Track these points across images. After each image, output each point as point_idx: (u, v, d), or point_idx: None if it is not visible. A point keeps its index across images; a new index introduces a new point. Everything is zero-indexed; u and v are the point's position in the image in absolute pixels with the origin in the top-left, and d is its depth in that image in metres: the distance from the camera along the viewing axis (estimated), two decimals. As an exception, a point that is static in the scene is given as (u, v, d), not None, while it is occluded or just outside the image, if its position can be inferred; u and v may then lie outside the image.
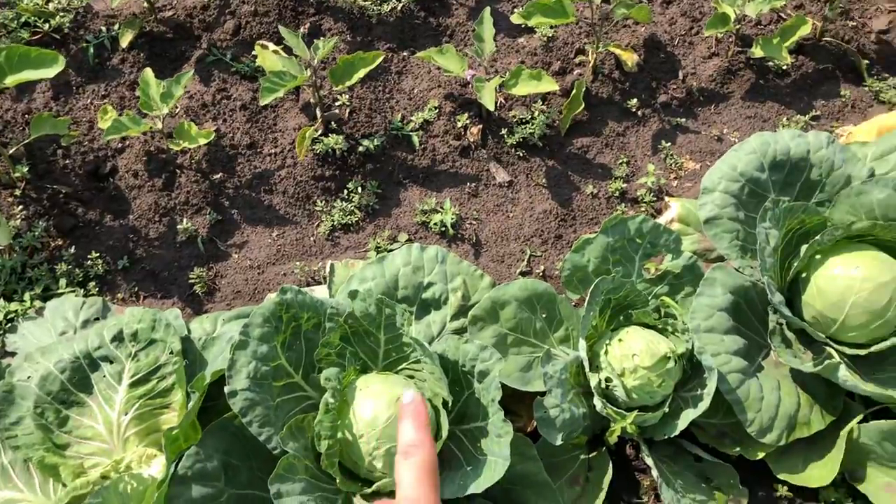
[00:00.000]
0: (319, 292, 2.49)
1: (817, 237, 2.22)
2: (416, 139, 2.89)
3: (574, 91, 2.88)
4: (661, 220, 2.65)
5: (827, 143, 2.44)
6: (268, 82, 2.58)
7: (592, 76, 3.06)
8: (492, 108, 2.67)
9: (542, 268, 2.66)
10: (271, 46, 2.86)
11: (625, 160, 2.90)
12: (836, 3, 3.18)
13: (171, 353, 2.17)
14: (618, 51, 3.06)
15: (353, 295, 2.01)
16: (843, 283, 2.18)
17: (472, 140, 2.88)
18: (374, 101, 2.97)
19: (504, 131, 2.90)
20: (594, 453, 2.24)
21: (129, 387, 2.15)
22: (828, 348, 2.28)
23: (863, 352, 2.16)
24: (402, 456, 1.29)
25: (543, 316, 2.31)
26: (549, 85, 2.71)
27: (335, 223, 2.73)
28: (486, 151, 2.88)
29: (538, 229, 2.73)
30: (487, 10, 2.80)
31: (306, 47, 2.66)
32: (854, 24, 3.31)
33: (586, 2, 2.94)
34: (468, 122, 2.90)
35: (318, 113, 2.80)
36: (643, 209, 2.78)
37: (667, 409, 2.12)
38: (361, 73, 2.68)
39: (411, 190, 2.82)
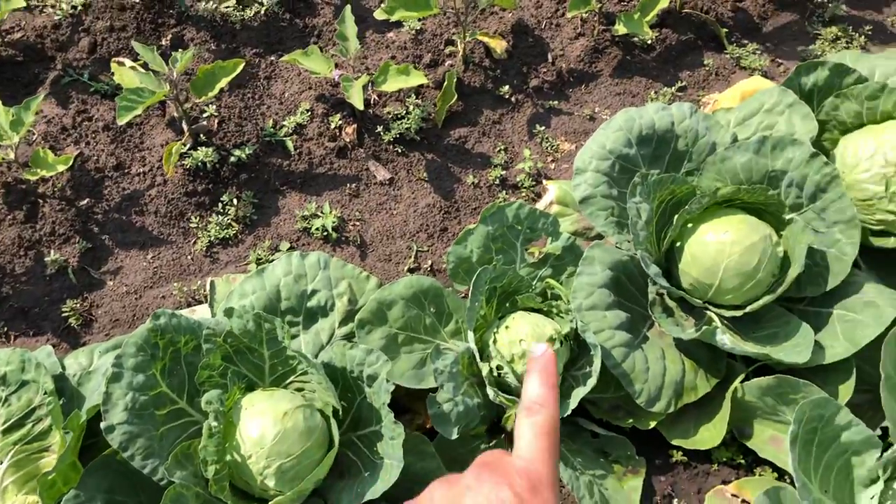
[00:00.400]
0: (201, 312, 2.42)
1: (686, 206, 2.28)
2: (290, 144, 2.83)
3: (446, 83, 2.88)
4: (541, 203, 2.68)
5: (690, 113, 2.51)
6: (124, 100, 2.48)
7: (464, 66, 3.07)
8: (361, 107, 2.64)
9: (429, 262, 2.66)
10: (128, 63, 2.75)
11: (502, 147, 2.92)
12: (691, -24, 3.28)
13: (45, 393, 2.07)
14: (486, 39, 3.07)
15: (229, 313, 1.96)
16: (714, 248, 2.24)
17: (348, 140, 2.84)
18: (243, 109, 2.89)
19: (380, 129, 2.88)
20: (494, 441, 2.25)
21: (3, 433, 2.04)
22: (708, 313, 2.35)
23: (739, 313, 2.23)
24: (526, 412, 1.17)
25: (432, 311, 2.30)
26: (418, 79, 2.69)
27: (212, 238, 2.65)
28: (363, 150, 2.85)
29: (423, 224, 2.72)
30: (348, 8, 2.77)
31: (163, 61, 2.57)
32: (711, -7, 3.42)
33: (449, -8, 2.94)
34: (342, 122, 2.86)
35: (185, 126, 2.71)
36: (524, 194, 2.81)
37: (558, 390, 2.14)
38: (223, 82, 2.60)
39: (290, 197, 2.76)
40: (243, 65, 2.65)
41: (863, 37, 3.35)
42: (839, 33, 3.36)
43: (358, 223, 2.72)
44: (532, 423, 1.15)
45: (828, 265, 2.28)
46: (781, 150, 2.35)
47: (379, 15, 2.81)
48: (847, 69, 2.63)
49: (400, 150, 2.87)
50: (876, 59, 2.85)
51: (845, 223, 2.26)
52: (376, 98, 2.94)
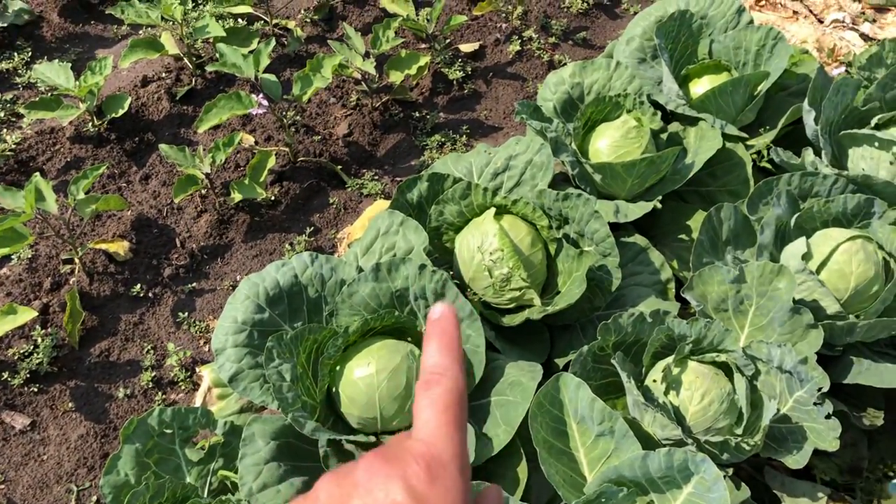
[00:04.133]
0: None
1: (324, 353, 2.30)
2: None
3: (69, 303, 2.72)
4: (200, 392, 2.58)
5: (311, 261, 2.57)
6: None
7: (88, 279, 2.93)
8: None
9: (94, 498, 2.43)
10: None
11: (150, 347, 2.80)
12: (290, 133, 3.43)
13: None
14: (104, 245, 2.97)
15: None
16: (364, 383, 2.27)
17: (-29, 400, 2.57)
18: None
19: (6, 374, 2.64)
20: None
21: None
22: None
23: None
24: (424, 385, 0.96)
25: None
26: (26, 314, 2.53)
27: None
28: (-7, 405, 2.59)
29: (80, 458, 2.50)
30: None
31: None
32: (320, 136, 3.60)
33: (51, 217, 2.81)
34: (-39, 382, 2.59)
35: None
36: (182, 388, 2.69)
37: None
38: None
39: (-86, 487, 2.43)
40: None
41: (464, 136, 3.70)
42: (442, 139, 3.68)
43: (2, 486, 2.44)
44: (431, 396, 0.96)
45: (469, 360, 2.39)
46: (397, 271, 2.46)
47: (-32, 260, 2.62)
48: (442, 176, 2.85)
49: (37, 389, 2.64)
50: (469, 156, 3.14)
51: (468, 318, 2.39)
52: (-5, 344, 2.71)
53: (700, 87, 3.35)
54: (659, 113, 3.13)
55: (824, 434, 2.20)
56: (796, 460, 2.18)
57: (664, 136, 3.21)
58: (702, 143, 3.07)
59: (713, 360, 2.29)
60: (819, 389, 2.20)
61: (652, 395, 2.27)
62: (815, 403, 2.20)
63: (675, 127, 3.25)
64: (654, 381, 2.29)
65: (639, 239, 2.85)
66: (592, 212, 2.62)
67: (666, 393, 2.24)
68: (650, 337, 2.33)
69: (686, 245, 3.01)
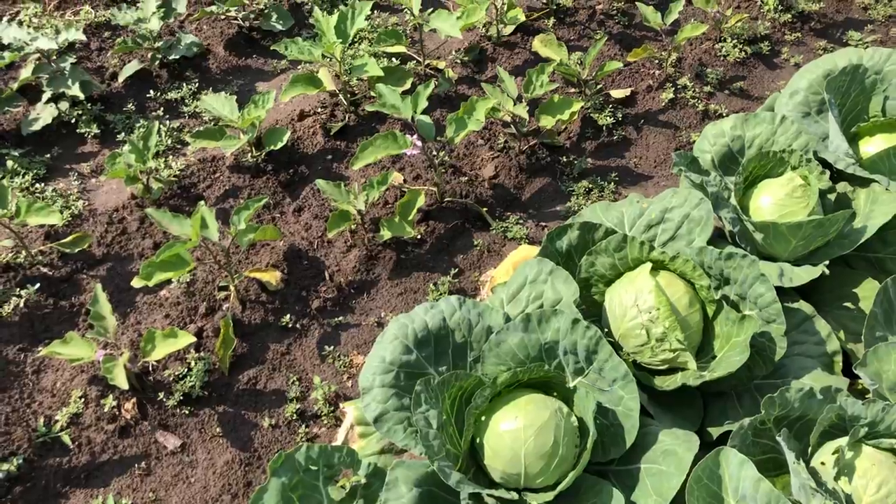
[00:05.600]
0: None
1: (472, 402, 2.27)
2: (67, 439, 2.63)
3: (222, 329, 2.81)
4: (342, 428, 2.59)
5: (459, 305, 2.55)
6: None
7: (241, 306, 3.03)
8: (125, 386, 2.52)
9: (238, 526, 2.48)
10: None
11: (296, 378, 2.85)
12: (439, 173, 3.45)
13: None
14: (258, 274, 3.06)
15: None
16: (509, 437, 2.22)
17: (129, 417, 2.68)
18: (10, 413, 2.68)
19: (162, 395, 2.74)
20: None
21: None
22: (528, 501, 2.29)
23: (550, 496, 2.19)
24: None
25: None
26: (186, 339, 2.62)
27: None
28: (148, 423, 2.69)
29: (225, 485, 2.55)
30: (99, 287, 2.69)
31: None
32: (466, 178, 3.61)
33: (211, 244, 2.93)
34: (120, 399, 2.70)
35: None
36: (325, 422, 2.72)
37: None
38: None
39: (74, 498, 2.53)
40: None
41: (612, 183, 3.62)
42: (590, 185, 3.61)
43: (153, 505, 2.53)
44: None
45: (620, 423, 2.30)
46: (547, 323, 2.41)
47: (136, 283, 2.75)
48: (593, 225, 2.79)
49: (188, 411, 2.73)
50: (621, 205, 3.07)
51: (622, 379, 2.31)
52: (154, 364, 2.82)
53: (872, 146, 3.15)
54: (827, 172, 2.97)
55: None
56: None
57: (832, 196, 3.03)
58: (874, 207, 2.88)
59: (892, 446, 2.11)
60: None
61: (820, 478, 2.11)
62: None
63: (843, 187, 3.07)
64: (823, 463, 2.13)
65: (804, 306, 2.69)
66: (758, 275, 2.49)
67: (836, 478, 2.08)
68: (819, 415, 2.17)
69: (851, 314, 2.81)
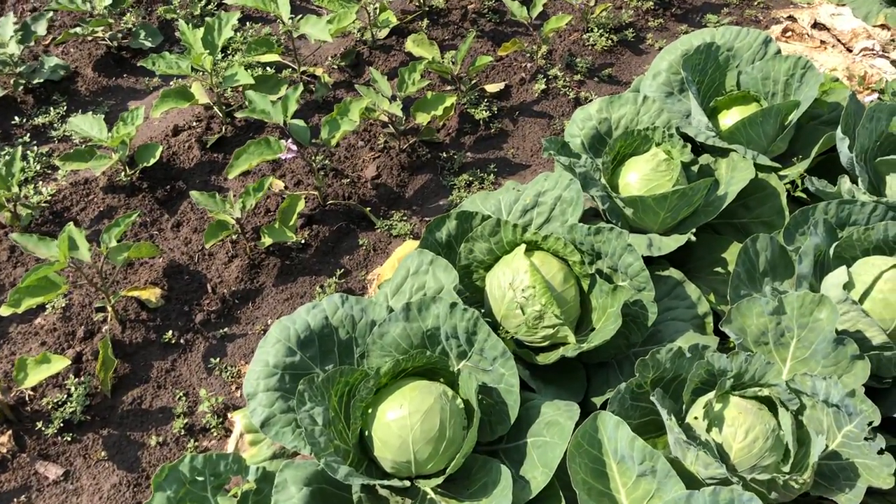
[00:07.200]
0: None
1: (356, 395, 2.27)
2: (-62, 480, 2.51)
3: (101, 351, 2.72)
4: (232, 438, 2.56)
5: (341, 302, 2.54)
6: None
7: (121, 327, 2.94)
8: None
9: (127, 550, 2.40)
10: None
11: (182, 394, 2.79)
12: (320, 177, 3.44)
13: None
14: (136, 293, 2.98)
15: None
16: (396, 425, 2.23)
17: (6, 451, 2.56)
18: None
19: (40, 424, 2.63)
20: None
21: None
22: (420, 487, 2.30)
23: (440, 479, 2.21)
24: None
25: None
26: (60, 363, 2.54)
27: None
28: (27, 455, 2.58)
29: (113, 509, 2.48)
30: (-39, 317, 2.58)
31: None
32: (349, 179, 3.61)
33: (84, 266, 2.84)
34: (-6, 433, 2.59)
35: None
36: (215, 434, 2.67)
37: None
38: None
39: (-52, 540, 2.42)
40: None
41: (491, 174, 3.69)
42: (470, 178, 3.67)
43: (37, 538, 2.43)
44: None
45: (504, 400, 2.34)
46: (427, 310, 2.43)
47: (4, 311, 2.64)
48: (470, 214, 2.83)
49: (70, 438, 2.64)
50: (498, 193, 3.12)
51: (501, 357, 2.35)
52: (30, 393, 2.71)
53: (729, 118, 3.31)
54: (689, 145, 3.10)
55: (877, 471, 2.10)
56: (849, 499, 2.09)
57: (695, 168, 3.17)
58: (734, 175, 3.03)
59: (756, 394, 2.22)
60: (869, 424, 2.12)
61: (694, 432, 2.20)
62: (865, 438, 2.11)
63: (705, 159, 3.21)
64: (696, 417, 2.22)
65: (674, 273, 2.80)
66: (625, 245, 2.58)
67: (708, 430, 2.17)
68: (689, 373, 2.26)
69: (722, 278, 2.94)
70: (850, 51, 4.36)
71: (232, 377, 2.84)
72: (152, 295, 2.99)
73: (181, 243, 3.29)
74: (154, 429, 2.69)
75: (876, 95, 3.87)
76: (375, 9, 4.30)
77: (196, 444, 2.65)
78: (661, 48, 4.39)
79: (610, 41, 4.41)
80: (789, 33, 4.50)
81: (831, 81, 3.53)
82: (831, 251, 2.61)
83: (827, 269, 2.63)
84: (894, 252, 2.63)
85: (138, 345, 2.92)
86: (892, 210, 2.70)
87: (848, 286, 2.49)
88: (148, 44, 4.37)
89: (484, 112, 3.93)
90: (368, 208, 3.46)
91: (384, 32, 4.45)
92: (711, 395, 2.22)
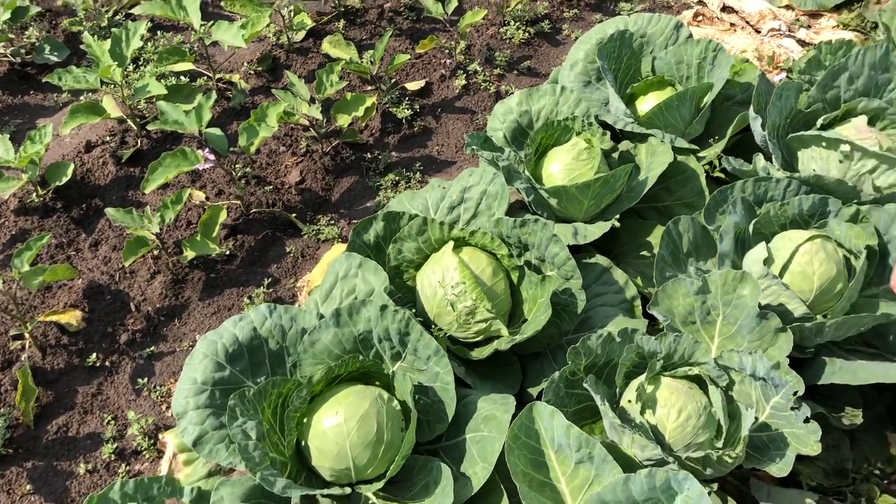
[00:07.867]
0: None
1: (289, 406, 2.22)
2: None
3: (21, 380, 2.62)
4: (165, 459, 2.48)
5: (269, 312, 2.49)
6: None
7: (41, 353, 2.82)
8: None
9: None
10: None
11: (111, 417, 2.69)
12: (241, 185, 3.37)
13: None
14: (55, 317, 2.87)
15: None
16: (333, 433, 2.19)
17: (-78, 493, 2.44)
18: None
19: (-41, 462, 2.52)
20: None
21: None
22: (361, 493, 2.27)
23: (381, 483, 2.19)
24: None
25: None
26: (-26, 395, 2.41)
27: None
28: (-54, 495, 2.47)
29: (43, 544, 2.38)
30: None
31: None
32: (272, 186, 3.54)
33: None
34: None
35: None
36: (147, 457, 2.59)
37: None
38: None
39: None
40: None
41: (417, 173, 3.67)
42: (396, 178, 3.64)
43: (-38, 582, 2.31)
44: None
45: (440, 398, 2.33)
46: (358, 314, 2.39)
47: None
48: (397, 214, 2.81)
49: (-8, 474, 2.53)
50: (425, 192, 3.11)
51: (435, 355, 2.33)
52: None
53: (646, 104, 3.37)
54: (608, 133, 3.13)
55: (805, 438, 2.16)
56: (780, 468, 2.14)
57: (616, 155, 3.21)
58: (653, 159, 3.07)
59: (686, 374, 2.25)
60: (795, 393, 2.17)
61: (628, 416, 2.22)
62: (792, 408, 2.17)
63: (625, 145, 3.25)
64: (629, 401, 2.24)
65: (601, 259, 2.82)
66: (551, 236, 2.59)
67: (642, 412, 2.20)
68: (621, 357, 2.28)
69: (648, 261, 2.99)
70: (758, 32, 4.48)
71: (161, 397, 2.76)
72: (72, 318, 2.88)
73: (100, 263, 3.18)
74: (82, 456, 2.59)
75: (784, 74, 3.98)
76: (290, 11, 4.24)
77: (128, 468, 2.56)
78: (577, 38, 4.42)
79: (527, 33, 4.43)
80: (700, 17, 4.60)
81: (742, 63, 3.61)
82: (751, 228, 2.67)
83: (748, 246, 2.69)
84: (809, 225, 2.71)
85: (60, 370, 2.81)
86: (805, 185, 2.77)
87: (768, 261, 2.55)
88: (54, 58, 4.21)
89: (406, 111, 3.90)
90: (294, 214, 3.40)
91: (300, 35, 4.39)
92: (643, 377, 2.25)
